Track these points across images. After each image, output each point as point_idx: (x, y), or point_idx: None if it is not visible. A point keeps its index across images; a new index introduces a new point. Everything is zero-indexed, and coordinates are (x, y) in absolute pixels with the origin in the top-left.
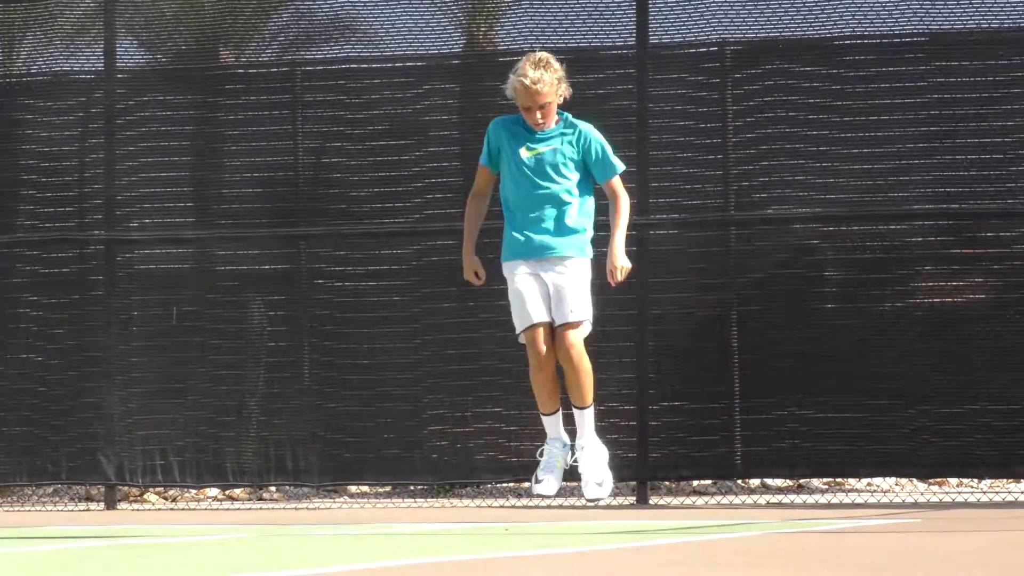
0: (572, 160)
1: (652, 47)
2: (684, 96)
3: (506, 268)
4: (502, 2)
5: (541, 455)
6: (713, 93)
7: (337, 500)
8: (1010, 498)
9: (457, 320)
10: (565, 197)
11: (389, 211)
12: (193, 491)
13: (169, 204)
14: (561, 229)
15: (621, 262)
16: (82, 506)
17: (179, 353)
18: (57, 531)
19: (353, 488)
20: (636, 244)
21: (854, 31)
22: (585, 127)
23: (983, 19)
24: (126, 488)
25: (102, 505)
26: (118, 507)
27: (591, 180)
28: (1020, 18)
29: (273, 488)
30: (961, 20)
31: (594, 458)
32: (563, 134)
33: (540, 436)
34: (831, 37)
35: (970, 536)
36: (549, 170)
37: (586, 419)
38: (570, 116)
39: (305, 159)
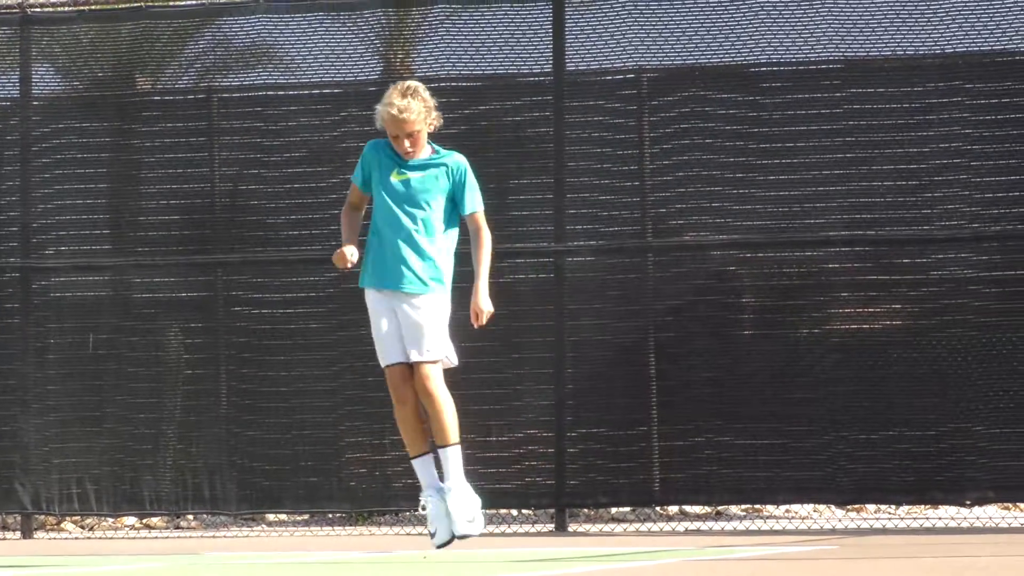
0: (441, 190)
1: (569, 74)
2: (601, 123)
3: (366, 293)
4: (419, 29)
5: (424, 509)
6: (630, 120)
7: (255, 528)
8: (927, 524)
9: (374, 347)
10: (428, 225)
11: (306, 238)
12: (110, 520)
13: (85, 231)
14: (420, 260)
15: (485, 306)
16: None
17: (96, 381)
18: None
19: (271, 516)
20: (553, 270)
21: (770, 58)
22: (458, 158)
23: (898, 46)
24: (43, 517)
25: (19, 534)
26: (35, 536)
27: (457, 213)
28: (935, 45)
29: (191, 516)
30: (876, 47)
31: (464, 498)
32: (434, 163)
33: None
34: (747, 64)
35: (888, 562)
36: (417, 197)
37: (450, 459)
38: (442, 148)
39: (222, 186)
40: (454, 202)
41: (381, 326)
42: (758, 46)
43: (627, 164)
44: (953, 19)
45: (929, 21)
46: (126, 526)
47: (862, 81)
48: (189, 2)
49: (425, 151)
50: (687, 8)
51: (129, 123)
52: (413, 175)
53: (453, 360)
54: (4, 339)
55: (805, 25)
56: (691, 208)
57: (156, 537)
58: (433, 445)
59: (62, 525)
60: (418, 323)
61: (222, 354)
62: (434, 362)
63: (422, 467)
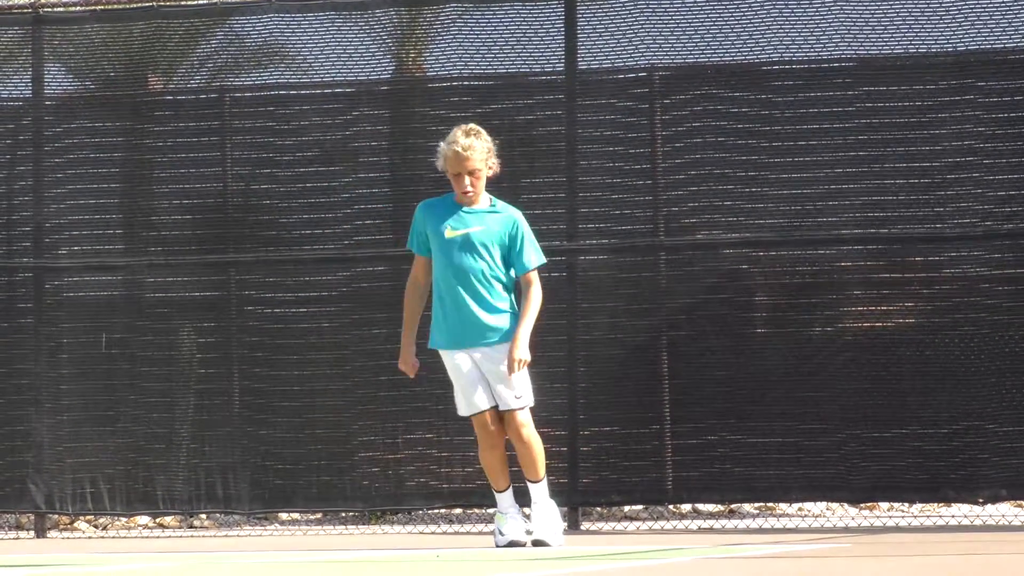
0: (497, 242)
1: (581, 73)
2: (613, 121)
3: (442, 353)
4: (431, 29)
5: (500, 532)
6: (642, 118)
7: (268, 527)
8: (940, 522)
9: (387, 346)
10: (490, 276)
11: (319, 237)
12: (123, 519)
13: (98, 231)
14: (488, 310)
15: (520, 354)
16: (12, 535)
17: (108, 380)
18: None
19: (284, 515)
20: (566, 269)
21: (782, 56)
22: (514, 212)
23: (910, 44)
24: (56, 516)
25: (32, 533)
26: (48, 535)
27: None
28: (947, 43)
29: (204, 516)
30: (888, 45)
31: (551, 513)
32: (490, 214)
33: (470, 461)
34: (759, 62)
35: (901, 560)
36: (474, 249)
37: (539, 489)
38: (499, 200)
39: (234, 185)
40: (507, 257)
41: (465, 376)
42: (770, 44)
43: (639, 163)
44: (965, 17)
45: (941, 19)
46: (139, 525)
47: (874, 79)
48: (200, 1)
49: (483, 201)
50: (699, 7)
51: (141, 123)
52: (471, 229)
53: (532, 400)
54: (17, 339)
55: (817, 23)
56: (703, 207)
57: (169, 536)
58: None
59: (75, 524)
60: (505, 372)
61: (235, 353)
62: (524, 408)
63: (505, 498)
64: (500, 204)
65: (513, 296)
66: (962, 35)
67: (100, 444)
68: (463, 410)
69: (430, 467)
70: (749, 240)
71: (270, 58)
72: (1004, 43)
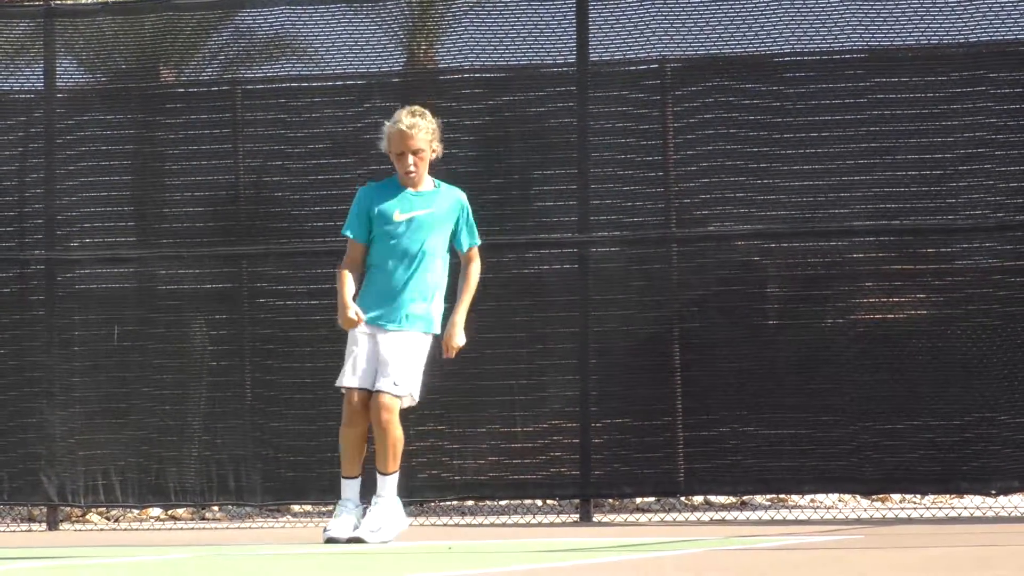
0: (443, 226)
1: (592, 64)
2: (625, 113)
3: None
4: (442, 20)
5: (336, 515)
6: (654, 110)
7: (280, 519)
8: (953, 514)
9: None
10: (427, 264)
11: (330, 229)
12: (135, 511)
13: (110, 223)
14: (411, 299)
15: (458, 341)
16: (24, 527)
17: (120, 373)
18: None
19: (296, 507)
20: (577, 261)
21: (794, 48)
22: (459, 194)
23: (922, 35)
24: (68, 508)
25: (44, 526)
26: (60, 528)
27: (450, 247)
28: (959, 34)
29: (216, 508)
30: (900, 36)
31: (383, 511)
32: (436, 196)
33: (482, 454)
34: (771, 54)
35: (913, 552)
36: (418, 236)
37: (386, 484)
38: (442, 182)
39: (246, 177)
40: (452, 236)
41: (358, 349)
42: (782, 36)
43: (651, 155)
44: (977, 8)
45: (953, 10)
46: (151, 517)
47: (886, 70)
48: None
49: (426, 183)
50: None
51: (153, 115)
52: (417, 213)
53: (415, 399)
54: (29, 331)
55: (829, 15)
56: (715, 198)
57: (181, 528)
58: (363, 468)
59: (87, 517)
60: (395, 356)
61: (247, 346)
62: (398, 396)
63: (350, 486)
64: (444, 185)
65: (441, 287)
66: (973, 26)
67: (112, 436)
68: (341, 380)
69: (441, 459)
70: (761, 232)
71: (281, 50)
72: (1016, 34)
